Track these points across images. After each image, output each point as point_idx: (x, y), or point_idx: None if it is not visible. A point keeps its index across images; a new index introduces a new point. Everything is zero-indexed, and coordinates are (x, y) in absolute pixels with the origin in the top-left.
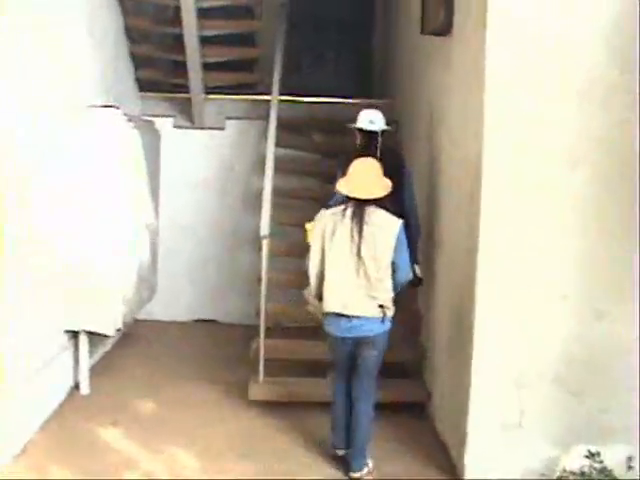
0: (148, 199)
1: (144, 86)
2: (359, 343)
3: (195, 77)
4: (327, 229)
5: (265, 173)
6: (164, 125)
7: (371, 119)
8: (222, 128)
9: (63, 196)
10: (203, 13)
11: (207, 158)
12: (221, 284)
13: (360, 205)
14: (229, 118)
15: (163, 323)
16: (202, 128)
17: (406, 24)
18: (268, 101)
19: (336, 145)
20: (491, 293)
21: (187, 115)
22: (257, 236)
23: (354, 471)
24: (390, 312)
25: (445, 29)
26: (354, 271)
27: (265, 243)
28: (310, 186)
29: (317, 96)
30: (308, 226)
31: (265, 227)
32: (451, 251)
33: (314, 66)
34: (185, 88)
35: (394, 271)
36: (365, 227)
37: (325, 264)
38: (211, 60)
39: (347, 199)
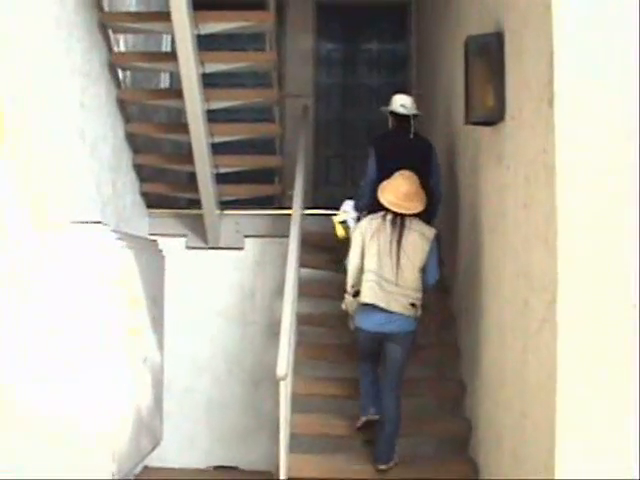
0: (147, 330)
1: (152, 202)
2: (387, 340)
3: (207, 190)
4: (367, 232)
5: (284, 299)
6: (175, 246)
7: (403, 103)
8: (240, 248)
9: (36, 332)
10: (214, 117)
11: (224, 282)
12: (242, 426)
13: (399, 215)
14: (248, 236)
15: (177, 471)
16: (218, 248)
17: (445, 118)
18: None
19: None
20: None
21: (200, 234)
22: None
23: (382, 463)
24: (419, 312)
25: (496, 116)
26: (392, 272)
27: (283, 385)
28: (341, 311)
29: None
30: (336, 219)
31: (283, 365)
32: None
33: (343, 176)
34: (198, 203)
35: (424, 272)
36: (404, 235)
37: (365, 263)
38: (225, 171)
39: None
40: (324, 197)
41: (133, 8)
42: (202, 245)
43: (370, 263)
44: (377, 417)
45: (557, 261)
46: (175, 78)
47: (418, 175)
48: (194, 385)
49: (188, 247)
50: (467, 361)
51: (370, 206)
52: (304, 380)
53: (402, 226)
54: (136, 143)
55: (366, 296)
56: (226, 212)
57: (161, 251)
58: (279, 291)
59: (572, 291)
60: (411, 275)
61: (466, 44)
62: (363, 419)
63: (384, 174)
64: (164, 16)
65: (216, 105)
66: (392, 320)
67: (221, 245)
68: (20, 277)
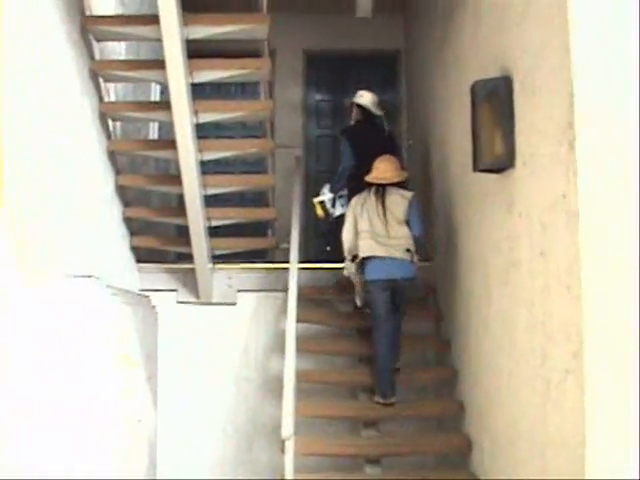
0: (141, 389)
1: (142, 256)
2: (394, 289)
3: (199, 244)
4: (357, 206)
5: (285, 357)
6: (166, 301)
7: (361, 94)
8: (233, 303)
9: (24, 391)
10: (207, 169)
11: (217, 339)
12: None
13: (381, 186)
14: (241, 291)
15: None
16: (210, 303)
17: (441, 167)
18: (287, 270)
19: (369, 316)
20: None
21: (192, 288)
22: (278, 431)
23: (387, 397)
24: (416, 257)
25: (505, 163)
26: (382, 228)
27: (288, 445)
28: (340, 367)
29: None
30: (316, 200)
31: (288, 425)
32: None
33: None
34: (187, 257)
35: (409, 226)
36: (387, 198)
37: (358, 229)
38: (218, 223)
39: (369, 184)
40: (315, 251)
41: (122, 57)
42: (193, 300)
43: (363, 226)
44: (394, 401)
45: (582, 309)
46: (164, 129)
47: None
48: (187, 444)
49: (179, 302)
50: (474, 417)
51: (343, 188)
52: (304, 439)
53: (384, 192)
54: (126, 196)
55: (364, 251)
56: (218, 266)
57: (154, 307)
58: (273, 347)
59: (599, 340)
60: (399, 228)
61: (473, 89)
62: (381, 401)
63: (359, 158)
64: (157, 64)
65: (210, 156)
66: (395, 265)
67: (213, 300)
68: (9, 333)
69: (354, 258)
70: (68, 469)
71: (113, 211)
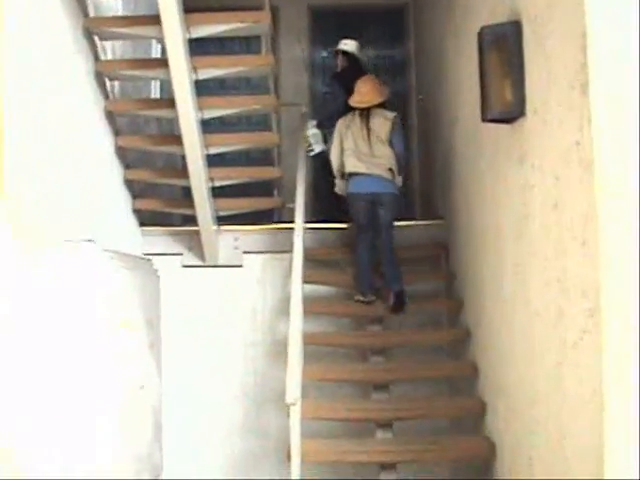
0: (143, 354)
1: (145, 219)
2: (375, 202)
3: (203, 205)
4: (342, 128)
5: (290, 319)
6: (171, 265)
7: (345, 42)
8: (239, 265)
9: (23, 356)
10: (208, 128)
11: (223, 302)
12: (248, 452)
13: (365, 109)
14: (247, 252)
15: None
16: (216, 266)
17: (452, 119)
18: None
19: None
20: None
21: (197, 252)
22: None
23: (395, 288)
24: (397, 179)
25: (515, 112)
26: (367, 148)
27: (294, 410)
28: (345, 329)
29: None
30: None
31: (293, 390)
32: None
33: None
34: (193, 220)
35: (392, 145)
36: (370, 120)
37: (344, 148)
38: (221, 184)
39: (352, 108)
40: (323, 210)
41: (120, 14)
42: (199, 263)
43: (348, 145)
44: (373, 299)
45: (598, 265)
46: (165, 88)
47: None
48: (194, 411)
49: (184, 266)
50: (488, 379)
51: (333, 126)
52: (311, 403)
53: (368, 114)
54: (127, 158)
55: (349, 167)
56: (223, 228)
57: (156, 271)
58: (281, 309)
59: (616, 297)
60: (382, 147)
61: (480, 35)
62: (361, 299)
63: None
64: (153, 20)
65: (211, 114)
66: (376, 182)
67: (219, 263)
68: (4, 297)
69: (343, 176)
70: (68, 436)
71: (113, 173)
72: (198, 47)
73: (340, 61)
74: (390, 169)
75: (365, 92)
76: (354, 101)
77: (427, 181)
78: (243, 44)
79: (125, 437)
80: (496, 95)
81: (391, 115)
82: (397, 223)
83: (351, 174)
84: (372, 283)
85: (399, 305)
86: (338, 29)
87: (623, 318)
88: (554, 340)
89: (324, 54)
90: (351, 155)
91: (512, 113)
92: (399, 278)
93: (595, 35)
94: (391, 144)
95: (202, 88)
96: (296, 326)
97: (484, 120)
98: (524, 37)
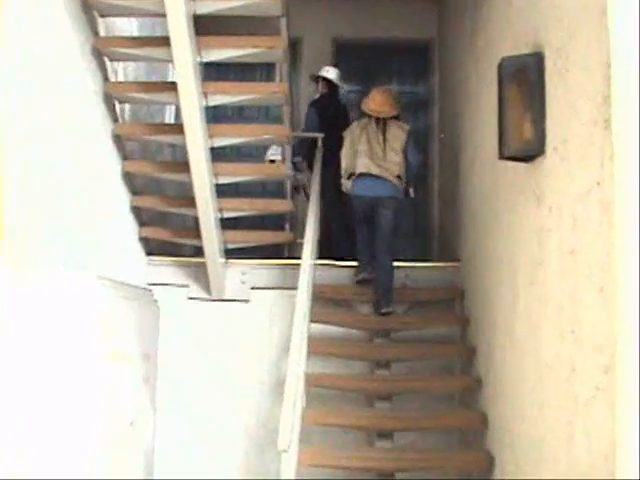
0: (136, 389)
1: (153, 249)
2: (377, 204)
3: (210, 236)
4: (355, 132)
5: (289, 359)
6: (176, 296)
7: (327, 69)
8: (246, 300)
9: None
10: (218, 157)
11: (228, 337)
12: None
13: (381, 118)
14: (255, 288)
15: None
16: (222, 300)
17: (471, 158)
18: None
19: (389, 319)
20: None
21: (204, 284)
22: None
23: (383, 308)
24: (404, 186)
25: (535, 149)
26: (381, 154)
27: (286, 457)
28: (356, 373)
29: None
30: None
31: (286, 435)
32: None
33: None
34: (201, 251)
35: (406, 155)
36: (387, 130)
37: (358, 151)
38: (231, 215)
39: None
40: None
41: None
42: (205, 296)
43: (362, 147)
44: (372, 276)
45: (615, 317)
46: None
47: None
48: (191, 451)
49: (190, 298)
50: (497, 432)
51: (308, 152)
52: (310, 449)
53: (385, 124)
54: (134, 184)
55: (360, 167)
56: (231, 261)
57: (156, 302)
58: (287, 348)
59: (634, 353)
60: (395, 156)
61: (500, 67)
62: (360, 277)
63: (323, 128)
64: (163, 41)
65: (221, 142)
66: (384, 186)
67: (226, 297)
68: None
69: (350, 176)
70: (51, 474)
71: (119, 199)
72: (218, 74)
73: (320, 87)
74: (398, 176)
75: (381, 102)
76: (369, 109)
77: (446, 222)
78: (264, 73)
79: (112, 477)
80: (515, 131)
81: (406, 127)
82: (413, 264)
83: (361, 174)
84: (371, 259)
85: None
86: (362, 63)
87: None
88: (565, 396)
89: (347, 88)
90: (365, 157)
91: (531, 151)
92: (389, 295)
93: (619, 65)
94: (404, 154)
95: (219, 117)
96: (294, 368)
97: (501, 158)
98: (546, 69)
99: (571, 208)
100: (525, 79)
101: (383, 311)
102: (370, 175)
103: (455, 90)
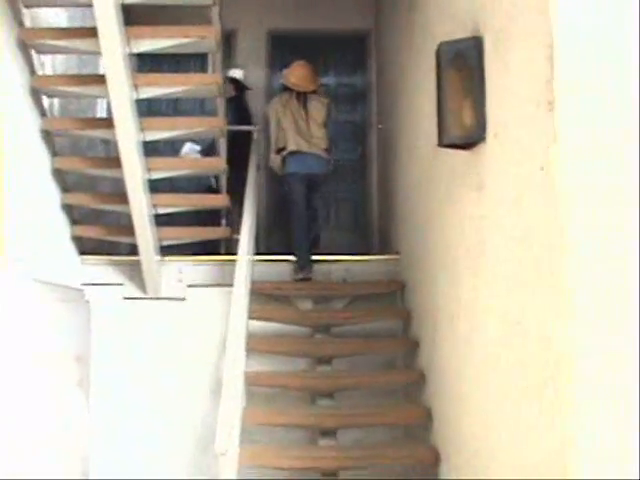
0: (68, 393)
1: (87, 247)
2: (311, 178)
3: (143, 234)
4: (279, 108)
5: (226, 356)
6: (111, 296)
7: (234, 71)
8: (183, 298)
9: None
10: (151, 151)
11: (166, 337)
12: None
13: (302, 93)
14: (192, 286)
15: None
16: (158, 299)
17: (410, 147)
18: None
19: (330, 314)
20: None
21: (139, 283)
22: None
23: (300, 273)
24: (331, 158)
25: (475, 136)
26: (305, 129)
27: (225, 460)
28: (297, 370)
29: None
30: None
31: (223, 438)
32: None
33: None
34: (137, 249)
35: (326, 127)
36: (308, 104)
37: (285, 127)
38: (165, 211)
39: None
40: (278, 242)
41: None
42: (141, 295)
43: (287, 124)
44: (311, 276)
45: (563, 305)
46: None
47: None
48: (130, 456)
49: (125, 297)
50: (442, 427)
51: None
52: (250, 449)
53: (305, 99)
54: (65, 181)
55: (291, 145)
56: (167, 258)
57: (87, 302)
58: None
59: (585, 343)
60: (318, 130)
61: (437, 53)
62: (301, 276)
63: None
64: (92, 32)
65: (153, 136)
66: (315, 162)
67: (162, 295)
68: None
69: (279, 151)
70: None
71: (50, 197)
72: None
73: (231, 88)
74: (326, 149)
75: (302, 77)
76: (290, 83)
77: (386, 214)
78: (198, 65)
79: None
80: (454, 118)
81: (326, 100)
82: (352, 257)
83: (292, 152)
84: (309, 259)
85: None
86: (298, 55)
87: (593, 365)
88: (513, 389)
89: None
90: (293, 133)
91: (471, 137)
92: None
93: (562, 46)
94: (326, 127)
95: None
96: (231, 367)
97: (440, 144)
98: (485, 53)
99: (514, 194)
100: (464, 64)
101: (301, 276)
102: (301, 152)
103: (393, 80)
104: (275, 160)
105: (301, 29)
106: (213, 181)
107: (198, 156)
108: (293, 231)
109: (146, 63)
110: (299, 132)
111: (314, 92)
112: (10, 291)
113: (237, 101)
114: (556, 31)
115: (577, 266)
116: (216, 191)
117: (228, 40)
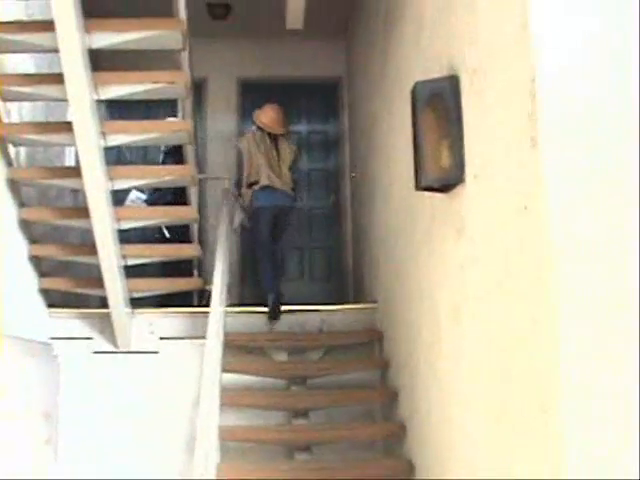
0: (36, 450)
1: (56, 300)
2: (278, 213)
3: (113, 285)
4: (252, 145)
5: (200, 410)
6: (80, 350)
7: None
8: (155, 352)
9: None
10: (120, 201)
11: (137, 392)
12: None
13: (273, 134)
14: (164, 338)
15: None
16: (129, 352)
17: (385, 193)
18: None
19: (306, 365)
20: None
21: (109, 336)
22: None
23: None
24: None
25: (453, 177)
26: (277, 168)
27: None
28: (273, 424)
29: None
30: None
31: None
32: None
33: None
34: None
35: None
36: (279, 147)
37: (258, 164)
38: (134, 262)
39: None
40: (252, 293)
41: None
42: (111, 349)
43: (262, 162)
44: (279, 305)
45: (554, 350)
46: None
47: None
48: None
49: (95, 352)
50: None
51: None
52: None
53: (276, 141)
54: (32, 232)
55: (264, 180)
56: (138, 311)
57: (56, 357)
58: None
59: (576, 395)
60: (286, 171)
61: (413, 93)
62: (271, 307)
63: None
64: (57, 78)
65: (122, 184)
66: (283, 196)
67: (133, 349)
68: None
69: (250, 185)
70: None
71: (16, 249)
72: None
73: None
74: (293, 189)
75: (273, 119)
76: (262, 123)
77: (361, 263)
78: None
79: None
80: (431, 160)
81: (294, 147)
82: (328, 307)
83: (263, 187)
84: (277, 286)
85: (277, 307)
86: (269, 102)
87: (583, 417)
88: (498, 438)
89: (253, 128)
90: (266, 170)
91: (449, 179)
92: (278, 283)
93: (544, 79)
94: (292, 171)
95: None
96: (204, 422)
97: (418, 188)
98: (462, 92)
99: (496, 237)
100: (440, 104)
101: (274, 325)
102: (272, 187)
103: (366, 127)
104: (246, 194)
105: (272, 76)
106: (165, 231)
107: (143, 205)
108: (259, 261)
109: (116, 111)
110: (271, 168)
111: (282, 135)
112: None
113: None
114: (538, 63)
115: (564, 314)
116: (168, 241)
117: (199, 88)
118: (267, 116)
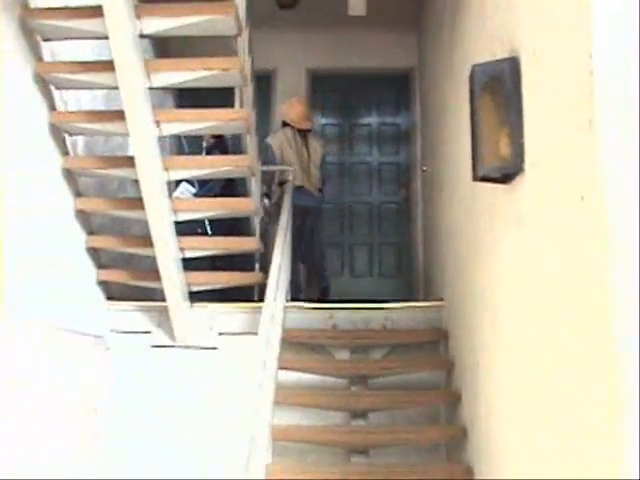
0: (84, 445)
1: (116, 293)
2: (307, 212)
3: (170, 279)
4: (284, 143)
5: (252, 411)
6: (138, 343)
7: None
8: (214, 347)
9: None
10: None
11: (194, 387)
12: None
13: (302, 130)
14: (223, 333)
15: None
16: (187, 347)
17: (454, 191)
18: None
19: (367, 364)
20: None
21: (168, 330)
22: None
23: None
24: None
25: (512, 167)
26: (307, 167)
27: None
28: (329, 424)
29: (342, 301)
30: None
31: None
32: None
33: (340, 264)
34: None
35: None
36: (308, 144)
37: (290, 162)
38: (193, 255)
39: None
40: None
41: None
42: (169, 343)
43: (294, 160)
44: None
45: (618, 354)
46: None
47: None
48: None
49: (153, 345)
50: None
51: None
52: None
53: (306, 138)
54: (90, 223)
55: (298, 180)
56: (197, 305)
57: (108, 350)
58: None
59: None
60: (316, 171)
61: (471, 77)
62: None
63: None
64: (109, 66)
65: (178, 175)
66: (312, 197)
67: (191, 343)
68: None
69: (281, 184)
70: None
71: (74, 240)
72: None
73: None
74: (319, 189)
75: (305, 115)
76: (294, 121)
77: (430, 259)
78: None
79: None
80: (489, 148)
81: (322, 142)
82: (392, 305)
83: (297, 187)
84: (299, 282)
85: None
86: (339, 94)
87: None
88: (560, 449)
89: (323, 121)
90: (299, 170)
91: (508, 168)
92: (324, 277)
93: (603, 54)
94: (321, 169)
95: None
96: (262, 421)
97: (475, 179)
98: (522, 75)
99: (555, 228)
100: (500, 88)
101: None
102: (303, 188)
103: (436, 119)
104: (275, 192)
105: (342, 68)
106: (208, 226)
107: (192, 198)
108: (298, 254)
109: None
110: (302, 169)
111: (309, 131)
112: (24, 339)
113: (219, 145)
114: (595, 38)
115: (619, 314)
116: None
117: (268, 79)
118: (295, 111)
